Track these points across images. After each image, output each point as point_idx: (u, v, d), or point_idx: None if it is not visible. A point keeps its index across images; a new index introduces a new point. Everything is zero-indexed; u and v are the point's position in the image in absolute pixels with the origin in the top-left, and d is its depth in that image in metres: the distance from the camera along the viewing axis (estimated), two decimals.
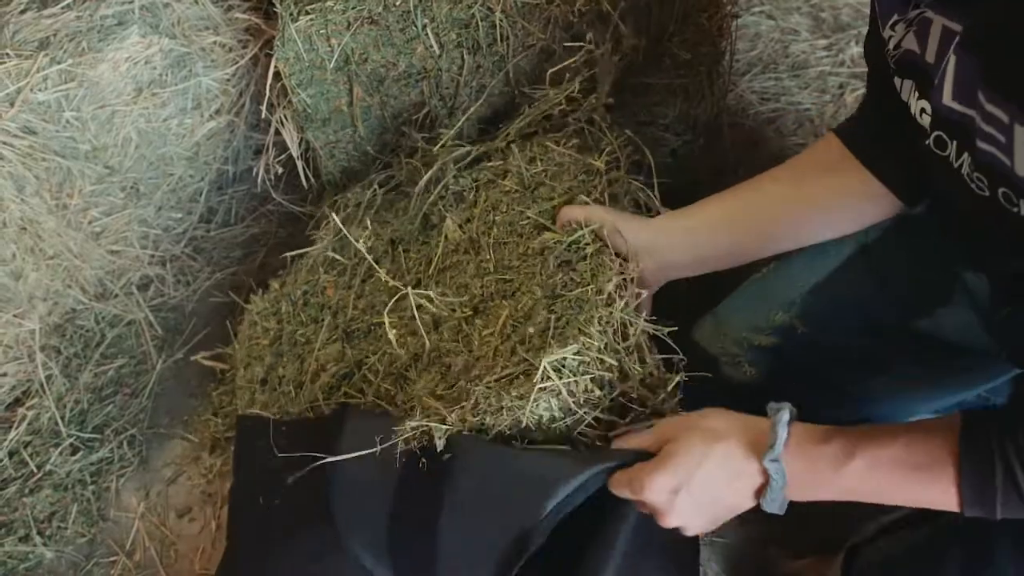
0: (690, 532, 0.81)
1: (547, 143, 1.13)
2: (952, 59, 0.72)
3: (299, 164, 1.26)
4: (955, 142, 0.74)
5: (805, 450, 0.76)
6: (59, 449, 1.27)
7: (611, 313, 0.88)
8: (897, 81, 0.81)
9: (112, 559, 1.24)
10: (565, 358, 0.83)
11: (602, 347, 0.85)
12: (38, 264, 1.27)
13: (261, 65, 1.36)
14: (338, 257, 1.19)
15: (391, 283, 1.05)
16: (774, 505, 0.77)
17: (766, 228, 0.97)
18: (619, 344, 0.87)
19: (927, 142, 0.77)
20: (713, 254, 0.98)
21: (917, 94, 0.78)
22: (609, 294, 0.89)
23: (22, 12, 1.20)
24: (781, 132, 1.54)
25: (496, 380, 0.86)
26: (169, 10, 1.30)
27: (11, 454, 1.23)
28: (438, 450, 0.84)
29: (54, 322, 1.32)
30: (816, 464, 0.76)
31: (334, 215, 1.22)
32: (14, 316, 1.25)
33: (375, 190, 1.24)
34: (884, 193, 0.92)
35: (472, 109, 1.18)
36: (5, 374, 1.26)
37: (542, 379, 0.81)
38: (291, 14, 1.13)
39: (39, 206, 1.24)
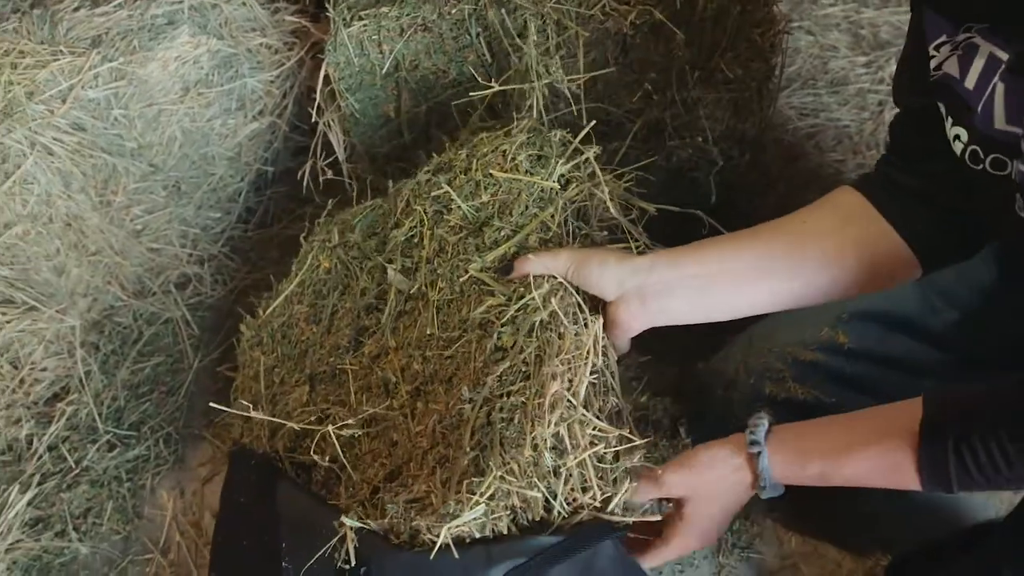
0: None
1: (489, 162, 1.00)
2: (1000, 86, 0.72)
3: (344, 167, 1.26)
4: (1015, 161, 0.75)
5: (788, 479, 0.82)
6: (96, 445, 1.27)
7: (549, 426, 0.78)
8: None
9: (147, 556, 1.23)
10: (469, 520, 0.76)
11: (527, 483, 0.77)
12: (80, 260, 1.28)
13: (307, 68, 1.38)
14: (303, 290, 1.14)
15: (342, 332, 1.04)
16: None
17: (790, 283, 0.91)
18: (558, 462, 0.79)
19: (981, 167, 0.78)
20: (726, 307, 0.92)
21: (950, 120, 0.79)
22: (551, 396, 0.80)
23: (75, 10, 1.21)
24: (820, 148, 1.54)
25: (408, 501, 0.82)
26: (217, 11, 1.31)
27: (50, 448, 1.23)
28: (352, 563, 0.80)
29: (93, 318, 1.32)
30: (799, 475, 0.82)
31: (304, 239, 1.18)
32: (56, 312, 1.26)
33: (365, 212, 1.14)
34: (901, 248, 0.88)
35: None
36: (45, 369, 1.27)
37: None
38: (344, 19, 1.14)
39: (84, 202, 1.24)
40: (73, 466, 1.24)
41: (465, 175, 1.00)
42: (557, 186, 0.96)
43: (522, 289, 0.90)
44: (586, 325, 0.88)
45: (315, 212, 1.49)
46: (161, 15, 1.25)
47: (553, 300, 0.88)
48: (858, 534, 1.13)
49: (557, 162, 0.97)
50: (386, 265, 1.02)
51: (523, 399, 0.81)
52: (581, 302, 0.90)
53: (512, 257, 0.93)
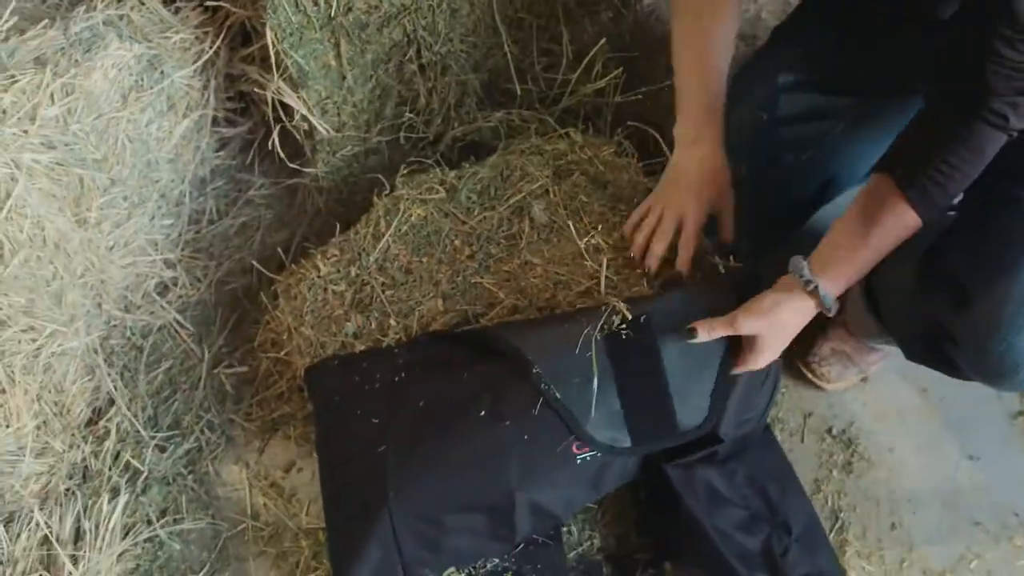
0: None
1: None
2: None
3: (315, 122, 1.36)
4: None
5: (840, 288, 1.06)
6: (149, 451, 1.29)
7: None
8: None
9: (239, 528, 1.28)
10: None
11: None
12: (73, 283, 1.29)
13: (222, 56, 1.45)
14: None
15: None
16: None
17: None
18: None
19: None
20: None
21: None
22: None
23: (5, 39, 1.23)
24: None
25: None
26: (126, 21, 1.36)
27: (115, 459, 1.24)
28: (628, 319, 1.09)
29: (95, 339, 1.33)
30: (848, 283, 1.07)
31: (379, 197, 1.38)
32: (60, 333, 1.26)
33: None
34: None
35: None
36: (74, 394, 1.27)
37: None
38: None
39: (65, 223, 1.26)
40: (142, 469, 1.26)
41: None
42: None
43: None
44: None
45: (264, 194, 1.58)
46: (81, 31, 1.29)
47: None
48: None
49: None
50: (532, 202, 1.31)
51: None
52: None
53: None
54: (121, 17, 1.36)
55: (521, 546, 1.17)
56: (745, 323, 1.07)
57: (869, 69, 1.23)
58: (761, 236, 1.33)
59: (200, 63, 1.42)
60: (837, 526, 1.25)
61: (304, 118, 1.36)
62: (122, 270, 1.39)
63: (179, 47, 1.41)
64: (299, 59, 1.32)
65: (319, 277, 1.30)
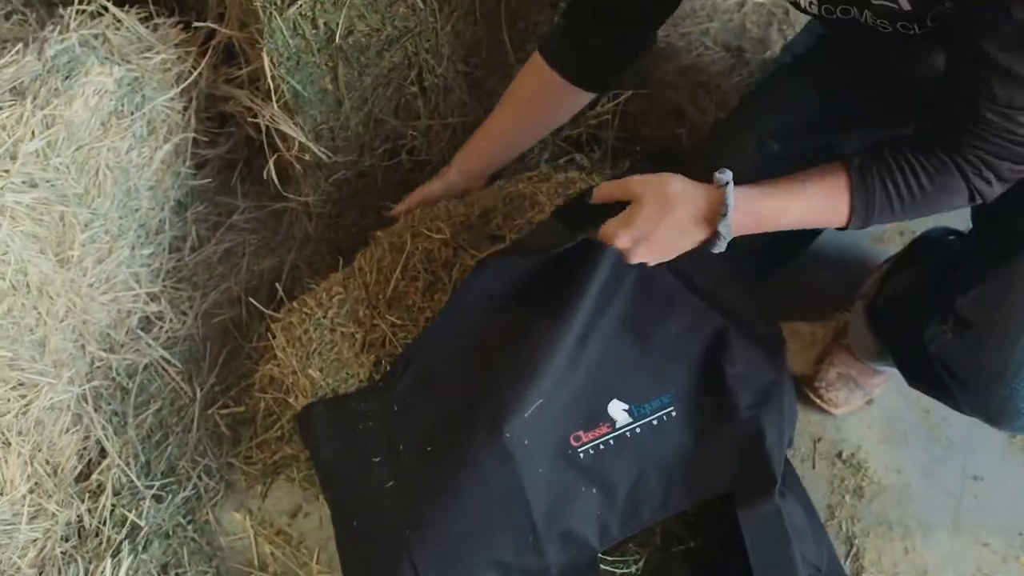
0: (651, 263, 1.04)
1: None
2: None
3: (315, 149, 1.29)
4: (855, 7, 1.00)
5: (748, 210, 0.98)
6: (145, 502, 1.22)
7: None
8: None
9: None
10: None
11: None
12: (55, 327, 1.20)
13: (204, 76, 1.36)
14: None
15: None
16: (718, 249, 1.00)
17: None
18: None
19: (834, 16, 1.02)
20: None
21: None
22: None
23: None
24: None
25: None
26: (102, 40, 1.27)
27: (104, 521, 1.17)
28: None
29: (80, 386, 1.25)
30: (757, 219, 0.99)
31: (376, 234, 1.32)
32: (49, 385, 1.18)
33: None
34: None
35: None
36: (62, 447, 1.19)
37: None
38: (275, 4, 1.17)
39: (47, 264, 1.17)
40: (140, 525, 1.19)
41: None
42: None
43: None
44: None
45: (248, 218, 1.51)
46: (58, 54, 1.20)
47: None
48: None
49: None
50: None
51: None
52: None
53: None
54: (97, 37, 1.27)
55: None
56: (636, 182, 1.00)
57: (885, 104, 1.23)
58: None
59: (183, 85, 1.34)
60: (852, 552, 1.26)
61: (302, 147, 1.29)
62: (104, 307, 1.30)
63: (160, 68, 1.32)
64: (295, 84, 1.25)
65: (325, 318, 1.23)
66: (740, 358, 1.09)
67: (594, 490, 1.07)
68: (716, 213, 0.97)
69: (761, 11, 1.82)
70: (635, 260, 1.02)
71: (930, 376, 1.16)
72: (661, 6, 1.16)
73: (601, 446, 1.07)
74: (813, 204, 0.99)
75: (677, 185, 0.99)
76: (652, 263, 1.04)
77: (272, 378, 1.31)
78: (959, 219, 1.25)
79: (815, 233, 1.40)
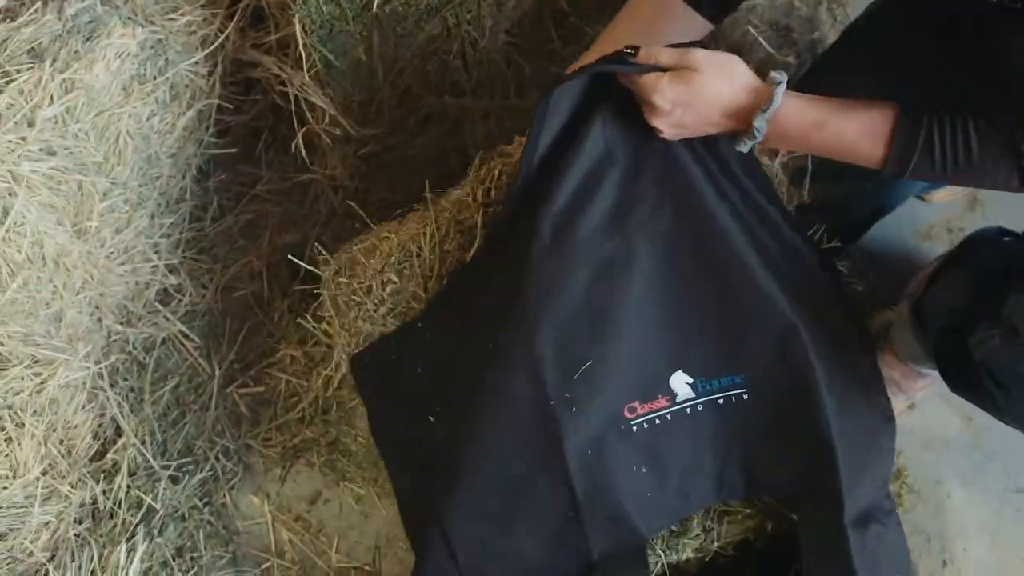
0: (663, 134, 0.98)
1: None
2: None
3: (344, 123, 1.23)
4: None
5: (787, 120, 0.94)
6: (162, 483, 1.19)
7: None
8: None
9: (263, 567, 1.19)
10: None
11: None
12: (71, 300, 1.16)
13: (232, 39, 1.30)
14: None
15: None
16: (745, 147, 0.96)
17: None
18: None
19: None
20: None
21: None
22: None
23: None
24: None
25: None
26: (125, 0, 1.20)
27: (119, 503, 1.13)
28: None
29: (96, 362, 1.21)
30: (791, 132, 0.95)
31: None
32: (65, 362, 1.14)
33: None
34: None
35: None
36: (77, 426, 1.15)
37: None
38: None
39: (64, 235, 1.12)
40: (156, 507, 1.16)
41: None
42: None
43: None
44: None
45: (272, 189, 1.45)
46: (78, 13, 1.13)
47: None
48: None
49: None
50: None
51: None
52: None
53: None
54: None
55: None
56: (701, 52, 0.94)
57: (962, 88, 1.16)
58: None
59: (210, 49, 1.27)
60: None
61: (332, 119, 1.23)
62: (121, 279, 1.26)
63: (185, 30, 1.25)
64: (327, 54, 1.18)
65: (376, 312, 1.11)
66: (834, 368, 1.02)
67: (644, 469, 0.99)
68: (758, 106, 0.93)
69: None
70: (658, 123, 0.97)
71: (974, 382, 1.11)
72: None
73: (657, 420, 0.98)
74: (852, 128, 0.94)
75: (740, 67, 0.94)
76: (668, 134, 0.98)
77: (293, 357, 1.26)
78: (1014, 219, 1.19)
79: (868, 224, 1.34)
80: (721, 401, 1.00)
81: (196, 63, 1.28)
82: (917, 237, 1.50)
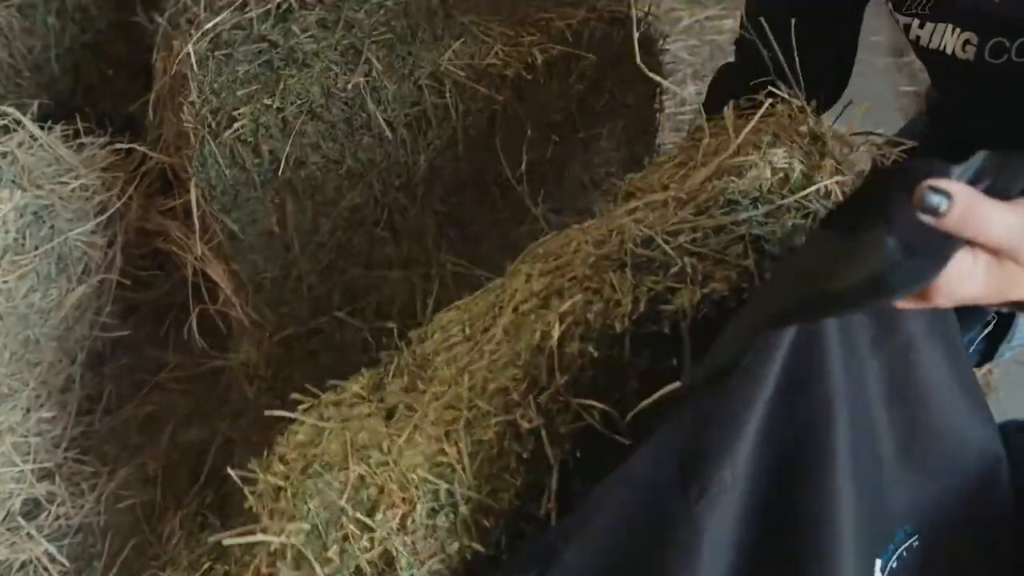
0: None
1: None
2: None
3: (238, 305, 1.05)
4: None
5: None
6: None
7: None
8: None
9: None
10: None
11: None
12: None
13: (135, 205, 1.14)
14: None
15: None
16: None
17: None
18: None
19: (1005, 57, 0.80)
20: None
21: (959, 30, 0.82)
22: None
23: None
24: None
25: None
26: (10, 160, 1.06)
27: None
28: None
29: None
30: None
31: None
32: None
33: None
34: None
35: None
36: None
37: None
38: (209, 126, 0.96)
39: None
40: None
41: None
42: None
43: None
44: None
45: (179, 376, 1.25)
46: None
47: None
48: None
49: None
50: None
51: None
52: None
53: None
54: (5, 155, 1.06)
55: None
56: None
57: None
58: None
59: (105, 217, 1.11)
60: None
61: (227, 301, 1.05)
62: None
63: (78, 195, 1.10)
64: (231, 224, 1.02)
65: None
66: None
67: None
68: None
69: None
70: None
71: None
72: None
73: None
74: None
75: None
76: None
77: None
78: None
79: None
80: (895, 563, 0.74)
81: (91, 232, 1.12)
82: None
